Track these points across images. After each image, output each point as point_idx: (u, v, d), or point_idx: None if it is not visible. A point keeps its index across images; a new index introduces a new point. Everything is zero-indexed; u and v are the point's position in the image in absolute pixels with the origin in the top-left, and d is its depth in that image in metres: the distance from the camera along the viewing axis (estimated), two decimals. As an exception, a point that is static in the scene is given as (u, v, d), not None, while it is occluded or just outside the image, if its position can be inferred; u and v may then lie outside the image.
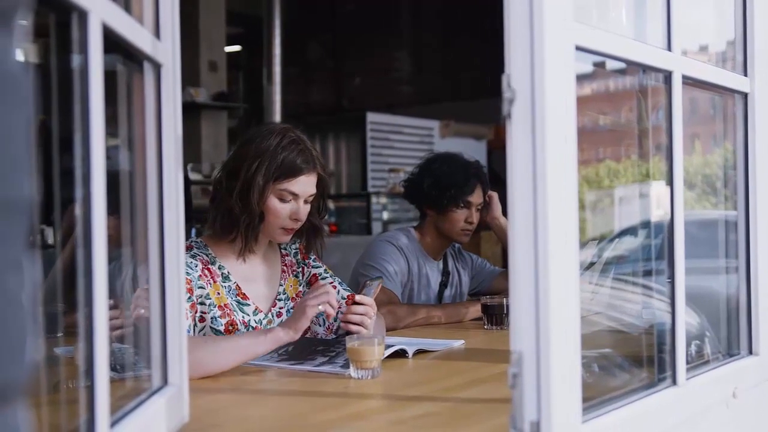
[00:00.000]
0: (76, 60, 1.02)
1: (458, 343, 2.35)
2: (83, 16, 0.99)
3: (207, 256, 2.22)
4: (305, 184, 2.21)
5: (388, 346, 2.03)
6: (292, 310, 2.30)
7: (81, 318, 1.02)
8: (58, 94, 1.05)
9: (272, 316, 2.29)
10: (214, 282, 2.19)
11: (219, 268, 2.22)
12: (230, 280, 2.22)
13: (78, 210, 1.02)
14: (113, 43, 1.12)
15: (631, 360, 1.74)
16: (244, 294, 2.24)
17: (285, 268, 2.38)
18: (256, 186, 2.15)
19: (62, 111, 1.05)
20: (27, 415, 0.58)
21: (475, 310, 2.81)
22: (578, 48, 1.25)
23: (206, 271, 2.18)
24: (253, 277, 2.29)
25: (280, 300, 2.33)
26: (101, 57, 1.03)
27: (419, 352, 2.18)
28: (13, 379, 0.55)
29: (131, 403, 1.24)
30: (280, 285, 2.35)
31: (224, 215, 2.20)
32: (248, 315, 2.22)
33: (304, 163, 2.20)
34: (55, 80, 1.05)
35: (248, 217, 2.17)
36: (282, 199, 2.19)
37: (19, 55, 0.57)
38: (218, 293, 2.18)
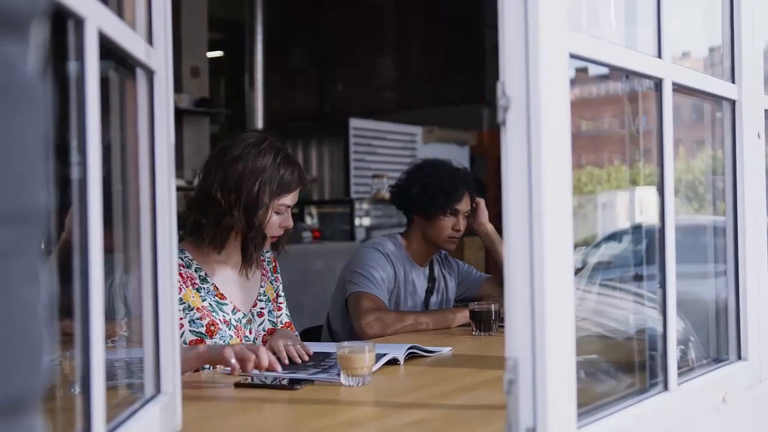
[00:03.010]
0: (71, 66, 1.02)
1: (446, 350, 2.35)
2: (80, 23, 0.99)
3: (182, 259, 2.25)
4: (296, 196, 2.34)
5: (379, 355, 2.03)
6: (272, 312, 2.42)
7: (77, 326, 1.01)
8: (52, 101, 1.04)
9: (252, 315, 2.37)
10: (188, 287, 2.24)
11: (196, 271, 2.28)
12: (208, 282, 2.29)
13: (74, 217, 1.01)
14: (107, 49, 1.11)
15: (619, 365, 1.75)
16: (222, 294, 2.30)
17: (264, 271, 2.47)
18: (263, 206, 2.25)
19: (56, 117, 1.04)
20: (43, 424, 0.57)
21: (463, 316, 2.82)
22: (572, 56, 1.25)
23: (179, 276, 2.21)
24: (233, 278, 2.35)
25: (261, 300, 2.41)
26: (97, 64, 1.02)
27: (411, 357, 2.18)
28: (32, 388, 0.54)
29: (125, 411, 1.23)
30: (261, 286, 2.43)
31: (225, 231, 2.26)
32: (228, 314, 2.28)
33: (300, 177, 2.33)
34: (49, 86, 1.04)
35: (256, 234, 2.26)
36: (277, 213, 2.30)
37: (34, 64, 0.57)
38: (193, 296, 2.24)
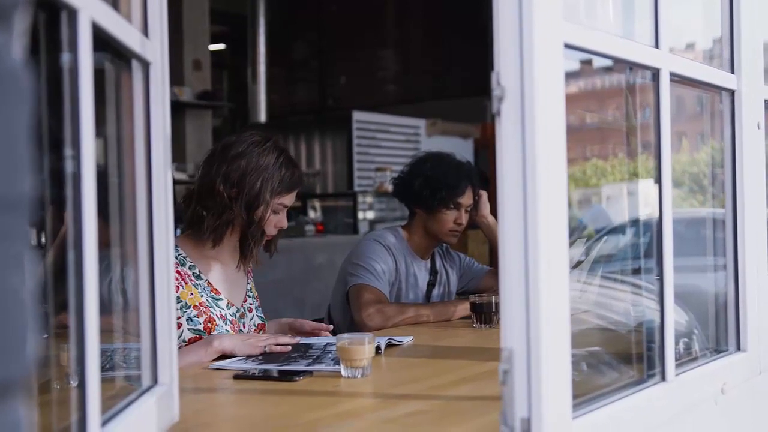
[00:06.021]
0: (65, 58, 1.02)
1: (408, 339, 2.39)
2: (73, 14, 0.99)
3: (176, 258, 2.26)
4: (294, 197, 2.39)
5: None
6: (259, 308, 2.47)
7: (71, 318, 1.02)
8: (45, 93, 1.04)
9: (244, 310, 2.42)
10: (186, 284, 2.27)
11: (189, 268, 2.31)
12: (202, 279, 2.32)
13: (67, 210, 1.01)
14: (101, 41, 1.11)
15: (621, 357, 1.75)
16: (216, 289, 2.34)
17: (249, 270, 2.51)
18: (264, 202, 2.28)
19: (49, 109, 1.04)
20: (28, 411, 0.58)
21: (464, 308, 2.82)
22: (567, 45, 1.25)
23: (176, 274, 2.23)
24: (224, 274, 2.38)
25: (249, 296, 2.46)
26: (91, 55, 1.02)
27: (390, 346, 2.24)
28: (16, 375, 0.55)
29: (121, 402, 1.24)
30: (248, 283, 2.48)
31: (224, 225, 2.29)
32: (223, 309, 2.32)
33: (300, 179, 2.37)
34: (42, 78, 1.04)
35: (256, 230, 2.30)
36: (274, 212, 2.33)
37: (18, 53, 0.57)
38: (191, 293, 2.27)
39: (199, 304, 2.26)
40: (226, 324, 2.29)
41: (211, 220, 2.28)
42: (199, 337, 2.22)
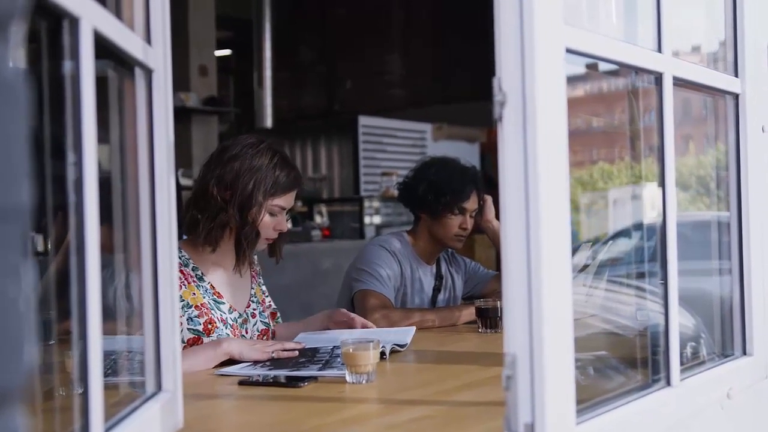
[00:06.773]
0: (67, 66, 1.02)
1: (410, 330, 2.43)
2: (74, 22, 0.99)
3: (180, 259, 2.28)
4: (292, 198, 2.37)
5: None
6: (263, 313, 2.46)
7: (74, 325, 1.02)
8: (48, 100, 1.05)
9: (247, 316, 2.41)
10: (189, 284, 2.28)
11: (193, 270, 2.32)
12: (205, 281, 2.32)
13: (71, 217, 1.02)
14: (104, 48, 1.12)
15: (626, 361, 1.74)
16: (219, 293, 2.34)
17: (254, 274, 2.51)
18: (257, 203, 2.28)
19: (52, 117, 1.05)
20: (25, 419, 0.58)
21: (469, 313, 2.81)
22: (569, 50, 1.25)
23: (179, 274, 2.24)
24: (227, 279, 2.39)
25: (253, 301, 2.46)
26: (93, 63, 1.03)
27: (394, 352, 2.23)
28: (12, 383, 0.55)
29: (125, 409, 1.24)
30: (251, 288, 2.47)
31: (219, 227, 2.29)
32: (224, 313, 2.32)
33: (296, 180, 2.36)
34: (45, 86, 1.05)
35: (249, 231, 2.29)
36: (271, 214, 2.33)
37: (16, 62, 0.57)
38: (194, 294, 2.28)
39: (201, 304, 2.27)
40: (226, 328, 2.29)
41: (206, 223, 2.28)
42: (199, 338, 2.22)
